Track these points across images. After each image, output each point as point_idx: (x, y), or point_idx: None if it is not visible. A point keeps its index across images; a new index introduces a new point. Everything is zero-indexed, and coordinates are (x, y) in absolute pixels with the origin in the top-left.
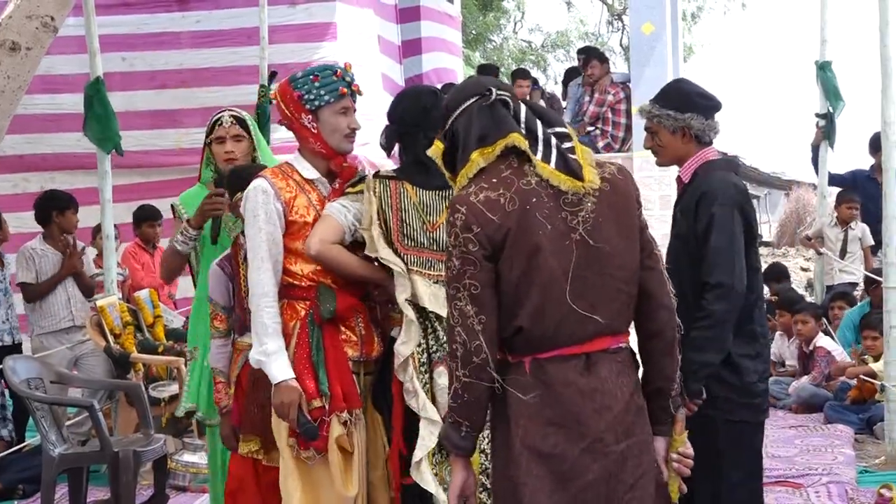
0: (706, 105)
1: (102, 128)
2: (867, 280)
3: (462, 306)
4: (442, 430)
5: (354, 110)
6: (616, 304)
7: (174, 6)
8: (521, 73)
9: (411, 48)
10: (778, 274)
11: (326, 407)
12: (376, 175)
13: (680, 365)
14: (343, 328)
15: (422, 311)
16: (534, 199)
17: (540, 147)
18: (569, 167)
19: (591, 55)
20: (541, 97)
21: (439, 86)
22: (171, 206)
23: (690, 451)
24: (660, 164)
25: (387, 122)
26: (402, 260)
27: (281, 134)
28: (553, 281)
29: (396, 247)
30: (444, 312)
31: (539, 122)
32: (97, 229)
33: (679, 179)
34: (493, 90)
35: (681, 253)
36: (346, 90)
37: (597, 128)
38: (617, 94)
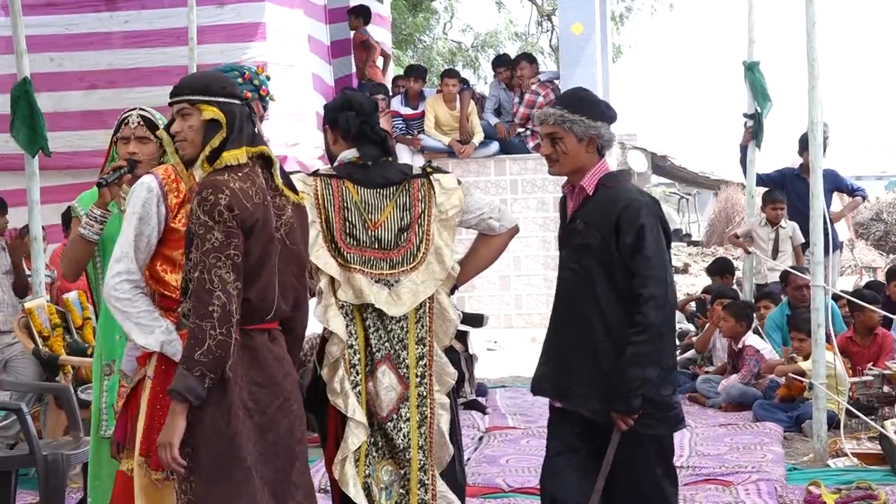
0: (612, 116)
1: (29, 129)
2: (785, 278)
3: (223, 274)
4: (183, 382)
5: (262, 117)
6: (290, 295)
7: (102, 6)
8: (450, 73)
9: (341, 48)
10: (723, 269)
11: None
12: (316, 174)
13: (619, 382)
14: None
15: (363, 310)
16: (268, 197)
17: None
18: (289, 182)
19: (520, 58)
20: (471, 97)
21: None
22: (69, 207)
23: None
24: (555, 173)
25: (345, 112)
26: (345, 258)
27: None
28: (273, 268)
29: (340, 245)
30: (389, 310)
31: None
32: (24, 231)
33: (573, 190)
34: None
35: (593, 265)
36: (250, 94)
37: (527, 129)
38: (547, 95)
